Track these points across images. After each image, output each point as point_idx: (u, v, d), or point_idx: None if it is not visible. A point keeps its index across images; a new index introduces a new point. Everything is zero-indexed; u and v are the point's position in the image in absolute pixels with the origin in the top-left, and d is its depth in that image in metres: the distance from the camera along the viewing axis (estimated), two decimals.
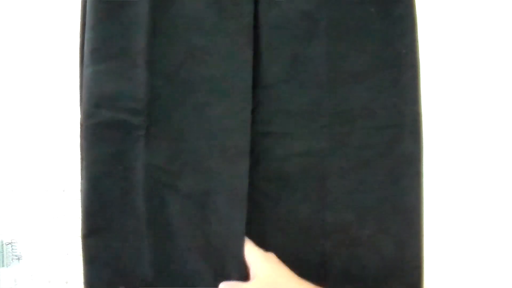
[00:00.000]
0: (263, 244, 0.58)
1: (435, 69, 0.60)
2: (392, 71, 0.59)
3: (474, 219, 0.60)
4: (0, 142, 0.63)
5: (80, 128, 0.58)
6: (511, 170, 0.61)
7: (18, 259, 0.63)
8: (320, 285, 0.52)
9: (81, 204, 0.58)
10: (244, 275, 0.55)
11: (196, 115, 0.58)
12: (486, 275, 0.60)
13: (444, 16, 0.61)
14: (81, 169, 0.59)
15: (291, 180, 0.59)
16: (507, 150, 0.61)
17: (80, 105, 0.60)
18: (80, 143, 0.59)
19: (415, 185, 0.59)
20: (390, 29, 0.58)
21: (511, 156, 0.61)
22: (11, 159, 0.63)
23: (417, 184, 0.59)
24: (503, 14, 0.61)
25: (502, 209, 0.60)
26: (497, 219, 0.60)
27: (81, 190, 0.58)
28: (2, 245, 0.64)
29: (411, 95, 0.59)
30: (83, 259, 0.59)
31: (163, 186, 0.58)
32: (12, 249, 0.63)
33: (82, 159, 0.59)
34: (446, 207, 0.61)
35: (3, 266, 0.63)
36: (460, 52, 0.61)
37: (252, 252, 0.55)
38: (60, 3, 0.62)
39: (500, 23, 0.61)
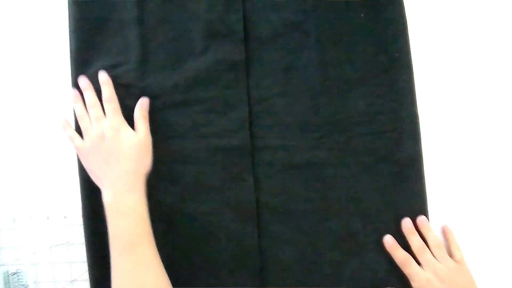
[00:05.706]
0: (274, 259, 0.58)
1: (429, 70, 0.60)
2: (386, 75, 0.58)
3: (481, 219, 0.60)
4: (1, 170, 0.62)
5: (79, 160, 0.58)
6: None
7: None
8: None
9: (84, 235, 0.58)
10: None
11: (195, 136, 0.58)
12: (493, 274, 0.60)
13: (434, 17, 0.61)
14: (82, 198, 0.58)
15: (293, 193, 0.58)
16: (506, 146, 0.61)
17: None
18: (80, 174, 0.59)
19: (418, 187, 0.58)
20: (382, 33, 0.58)
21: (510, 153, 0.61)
22: (12, 187, 0.63)
23: (420, 186, 0.58)
24: (494, 13, 0.61)
25: (506, 208, 0.61)
26: (502, 218, 0.60)
27: (83, 221, 0.58)
28: (8, 275, 0.63)
29: (407, 98, 0.58)
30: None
31: (167, 210, 0.58)
32: (18, 279, 0.63)
33: (82, 187, 0.58)
34: (451, 208, 0.60)
35: None
36: (452, 52, 0.61)
37: None
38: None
39: (491, 21, 0.61)
